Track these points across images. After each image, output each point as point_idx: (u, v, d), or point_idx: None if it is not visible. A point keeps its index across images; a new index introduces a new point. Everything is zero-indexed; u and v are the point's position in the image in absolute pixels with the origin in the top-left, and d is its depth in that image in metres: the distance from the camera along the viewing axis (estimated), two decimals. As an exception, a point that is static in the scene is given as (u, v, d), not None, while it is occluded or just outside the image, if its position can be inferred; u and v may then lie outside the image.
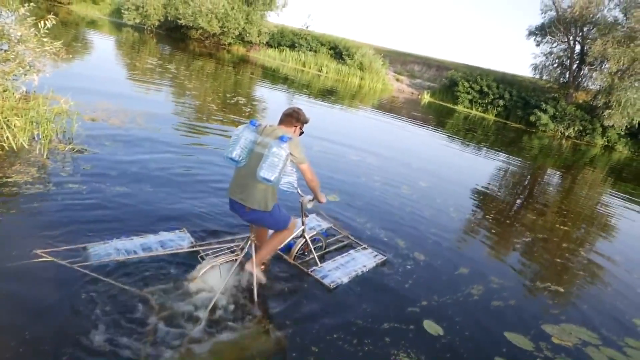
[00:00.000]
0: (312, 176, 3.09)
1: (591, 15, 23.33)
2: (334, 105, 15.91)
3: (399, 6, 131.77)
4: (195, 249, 3.58)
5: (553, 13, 24.86)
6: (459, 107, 27.00)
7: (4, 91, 5.33)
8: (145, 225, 3.82)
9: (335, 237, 4.55)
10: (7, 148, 4.69)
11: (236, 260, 3.19)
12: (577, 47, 24.78)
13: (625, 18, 22.55)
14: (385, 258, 4.30)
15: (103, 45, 18.03)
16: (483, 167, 11.60)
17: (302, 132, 3.13)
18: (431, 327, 3.35)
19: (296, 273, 3.72)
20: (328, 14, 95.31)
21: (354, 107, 17.61)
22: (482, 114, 26.45)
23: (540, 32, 25.69)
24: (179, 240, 3.66)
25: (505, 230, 6.36)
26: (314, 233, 4.04)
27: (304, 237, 3.83)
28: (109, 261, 3.15)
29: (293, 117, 3.03)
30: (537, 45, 26.16)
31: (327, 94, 19.00)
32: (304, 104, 14.73)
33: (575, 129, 23.17)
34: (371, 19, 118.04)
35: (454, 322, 3.48)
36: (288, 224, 3.21)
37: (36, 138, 5.13)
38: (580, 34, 24.38)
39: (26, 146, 4.86)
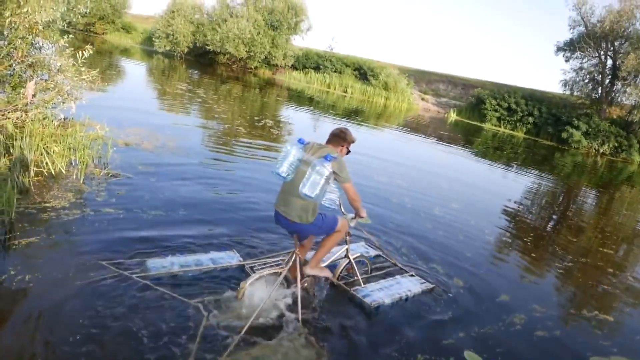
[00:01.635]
0: (355, 195, 3.17)
1: (622, 29, 22.81)
2: (361, 124, 15.91)
3: (422, 25, 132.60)
4: (243, 263, 3.79)
5: (582, 28, 24.43)
6: (487, 125, 26.59)
7: (44, 119, 5.55)
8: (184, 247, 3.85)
9: (382, 264, 4.45)
10: (46, 174, 4.84)
11: (281, 273, 3.28)
12: (609, 62, 24.18)
13: (659, 31, 21.94)
14: (433, 286, 4.13)
15: (135, 72, 18.73)
16: (515, 186, 11.28)
17: (349, 152, 3.28)
18: (472, 358, 3.19)
19: (339, 292, 3.75)
20: (352, 36, 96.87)
21: (380, 126, 17.57)
22: (511, 132, 25.95)
23: (569, 47, 25.21)
24: (228, 258, 3.85)
25: (543, 253, 6.09)
26: (358, 255, 4.01)
27: (348, 258, 3.82)
28: (164, 274, 3.39)
29: (340, 137, 3.20)
30: (567, 60, 25.67)
31: (353, 114, 19.06)
32: (330, 124, 14.80)
33: (611, 145, 22.41)
34: (395, 39, 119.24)
35: (495, 352, 3.30)
36: (335, 227, 3.31)
37: (73, 163, 5.28)
38: (612, 48, 23.81)
39: (64, 171, 5.00)
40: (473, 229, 6.32)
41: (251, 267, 3.74)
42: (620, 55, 23.06)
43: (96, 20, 34.44)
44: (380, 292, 3.79)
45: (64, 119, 6.14)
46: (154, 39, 31.00)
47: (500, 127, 26.47)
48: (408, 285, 4.02)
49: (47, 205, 4.13)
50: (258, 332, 2.93)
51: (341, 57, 31.87)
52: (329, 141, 3.22)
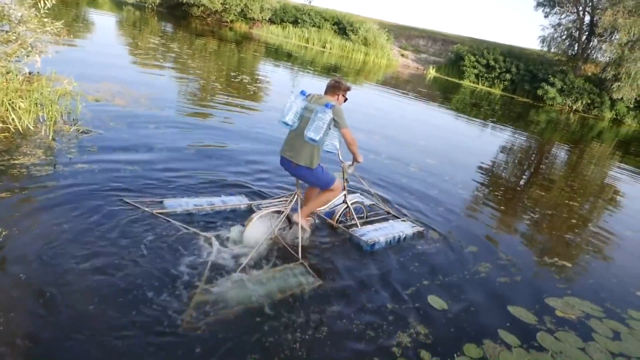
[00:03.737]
0: (352, 139, 3.49)
1: (602, -15, 22.72)
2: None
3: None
4: (250, 204, 4.23)
5: (563, -18, 24.22)
6: (465, 82, 26.64)
7: (7, 73, 5.32)
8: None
9: (378, 212, 4.86)
10: (13, 130, 4.71)
11: (283, 212, 3.63)
12: (587, 18, 24.27)
13: (637, -14, 21.90)
14: (422, 229, 4.56)
15: (104, 25, 17.85)
16: (490, 142, 11.53)
17: (346, 99, 3.63)
18: (436, 301, 3.40)
19: (338, 234, 4.14)
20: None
21: (359, 83, 17.42)
22: (489, 89, 26.10)
23: (549, 2, 25.06)
24: (237, 200, 4.26)
25: (514, 206, 6.36)
26: (355, 200, 4.41)
27: (346, 203, 4.20)
28: (180, 211, 3.79)
29: (335, 87, 3.52)
30: (546, 16, 25.67)
31: (332, 71, 18.79)
32: (309, 81, 14.60)
33: (584, 102, 22.88)
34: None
35: (459, 298, 3.52)
36: (332, 184, 3.63)
37: (41, 120, 5.14)
38: (590, 4, 23.78)
39: (32, 128, 4.88)
40: (448, 184, 6.51)
41: (257, 207, 4.15)
42: (598, 11, 23.07)
43: (59, -33, 32.29)
44: (375, 232, 4.16)
45: (29, 74, 5.90)
46: (122, -12, 29.36)
47: (478, 84, 26.56)
48: (401, 228, 4.41)
49: (16, 162, 4.05)
50: (262, 260, 3.37)
51: (320, 11, 30.94)
52: (326, 92, 3.55)
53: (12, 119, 4.75)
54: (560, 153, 12.52)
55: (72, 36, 10.19)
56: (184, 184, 4.43)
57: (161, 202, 3.86)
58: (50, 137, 4.76)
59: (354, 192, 4.87)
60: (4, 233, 3.00)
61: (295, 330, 2.73)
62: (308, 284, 3.20)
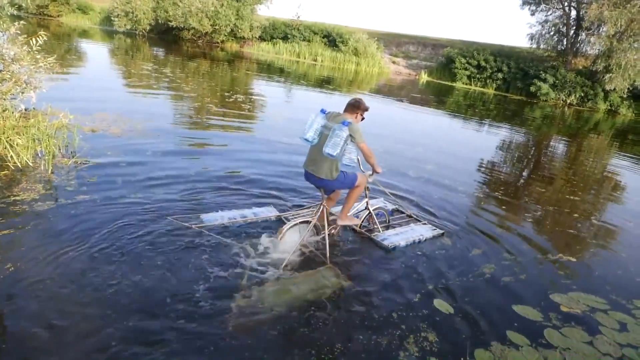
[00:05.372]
0: (370, 153, 3.79)
1: (585, -21, 22.97)
2: (333, 93, 15.87)
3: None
4: (280, 215, 4.53)
5: (546, -20, 24.51)
6: (458, 84, 26.80)
7: (4, 111, 5.41)
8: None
9: (399, 216, 5.14)
10: (13, 167, 4.77)
11: (311, 221, 3.96)
12: (573, 13, 24.46)
13: (619, -22, 22.13)
14: (443, 232, 4.78)
15: (97, 54, 18.07)
16: (487, 142, 11.57)
17: (364, 118, 3.86)
18: (442, 305, 3.41)
19: (361, 239, 4.43)
20: (318, 2, 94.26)
21: (352, 93, 17.55)
22: (482, 89, 26.25)
23: (535, 0, 25.31)
24: (267, 212, 4.58)
25: (515, 204, 6.37)
26: (377, 207, 4.71)
27: (368, 209, 4.48)
28: (217, 225, 4.12)
29: (354, 106, 3.76)
30: (532, 14, 25.84)
31: (325, 83, 18.94)
32: (302, 95, 14.73)
33: (577, 95, 22.98)
34: (362, 3, 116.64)
35: (465, 301, 3.53)
36: (355, 182, 3.93)
37: (39, 155, 5.21)
38: (575, -2, 24.02)
39: (31, 164, 4.94)
40: (448, 187, 6.53)
41: (286, 218, 4.44)
42: (584, 5, 23.30)
43: (49, 2, 32.73)
44: (396, 237, 4.44)
45: (25, 110, 5.99)
46: (112, 18, 29.70)
47: (471, 85, 26.72)
48: (421, 231, 4.67)
49: (17, 198, 4.11)
50: (294, 267, 3.66)
51: (309, 25, 31.26)
52: (345, 110, 3.78)
53: (11, 156, 4.82)
54: (559, 147, 12.56)
55: (65, 69, 10.33)
56: (188, 207, 4.47)
57: (198, 217, 4.22)
58: (50, 171, 4.82)
59: (376, 198, 5.22)
60: (11, 268, 3.04)
61: (313, 332, 2.92)
62: (336, 285, 3.48)
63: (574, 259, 4.66)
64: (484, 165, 8.56)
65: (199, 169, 5.66)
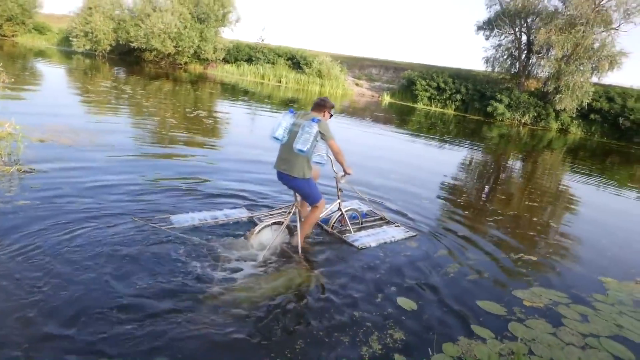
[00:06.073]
0: (338, 150, 3.80)
1: (533, 7, 24.43)
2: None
3: (352, 12, 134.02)
4: (252, 216, 4.50)
5: (498, 7, 25.91)
6: (419, 105, 27.55)
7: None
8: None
9: (373, 218, 5.09)
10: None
11: (283, 222, 3.92)
12: (524, 38, 25.82)
13: (564, 6, 23.70)
14: (415, 234, 4.77)
15: (53, 73, 17.44)
16: (449, 159, 11.81)
17: (332, 115, 3.94)
18: (406, 303, 3.32)
19: (333, 240, 4.38)
20: (282, 26, 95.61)
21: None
22: (442, 110, 27.08)
23: (488, 26, 26.62)
24: (239, 213, 4.54)
25: (478, 210, 6.44)
26: (350, 208, 4.70)
27: (340, 210, 4.51)
28: (187, 226, 4.04)
29: (321, 105, 3.84)
30: (487, 39, 27.08)
31: (289, 103, 19.00)
32: (267, 116, 14.67)
33: (531, 115, 24.05)
34: (325, 28, 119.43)
35: (428, 299, 3.45)
36: (319, 200, 3.89)
37: (-21, 163, 4.84)
38: (525, 24, 25.44)
39: (-32, 172, 4.57)
40: (413, 199, 6.54)
41: (259, 219, 4.39)
42: (533, 30, 24.68)
43: (3, 22, 31.62)
44: (368, 238, 4.44)
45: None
46: (71, 38, 28.92)
47: (431, 106, 27.53)
48: (392, 233, 4.66)
49: (-51, 205, 3.76)
50: (266, 265, 3.60)
51: (273, 48, 31.54)
52: (313, 109, 3.85)
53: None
54: (517, 162, 12.98)
55: (17, 86, 9.82)
56: (149, 209, 4.23)
57: (168, 218, 4.12)
58: (-11, 179, 4.47)
59: (350, 200, 5.15)
60: None
61: (278, 330, 2.75)
62: (305, 284, 3.43)
63: (534, 258, 4.71)
64: (446, 182, 8.68)
65: (159, 174, 5.42)
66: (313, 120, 3.60)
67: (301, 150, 3.53)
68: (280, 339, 2.73)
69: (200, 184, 5.47)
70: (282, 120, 3.70)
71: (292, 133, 3.67)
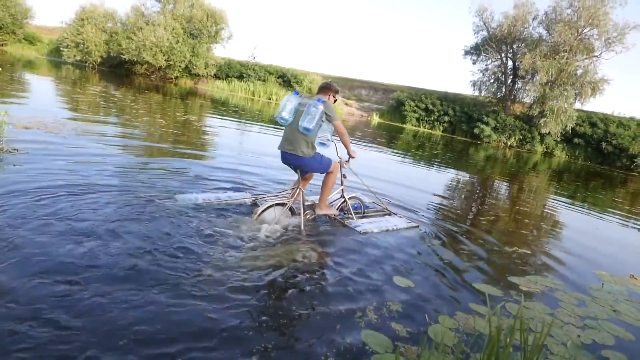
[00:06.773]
0: (343, 130, 3.77)
1: (518, 33, 25.18)
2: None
3: (343, 34, 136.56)
4: (255, 198, 4.55)
5: (485, 33, 26.62)
6: (408, 126, 27.87)
7: None
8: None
9: (375, 209, 5.07)
10: None
11: (287, 204, 3.94)
12: (510, 63, 26.51)
13: (548, 34, 24.50)
14: (417, 225, 4.73)
15: (41, 82, 17.25)
16: (436, 179, 11.86)
17: (336, 100, 3.94)
18: (401, 281, 3.22)
19: (336, 225, 4.34)
20: (274, 45, 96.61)
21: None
22: (430, 131, 27.41)
23: (475, 51, 27.31)
24: (242, 195, 4.57)
25: (475, 211, 6.42)
26: (353, 195, 4.68)
27: (343, 197, 4.49)
28: (192, 205, 4.05)
29: (326, 88, 3.88)
30: (474, 63, 27.73)
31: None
32: (257, 132, 14.66)
33: (517, 138, 24.47)
34: (316, 49, 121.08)
35: (424, 279, 3.36)
36: (330, 166, 3.93)
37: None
38: (511, 50, 26.16)
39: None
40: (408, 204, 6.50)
41: (262, 200, 4.35)
42: (519, 56, 25.39)
43: (-7, 30, 31.46)
44: (369, 224, 4.41)
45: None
46: (62, 48, 28.82)
47: (419, 126, 27.88)
48: (395, 222, 4.64)
49: None
50: (270, 242, 3.55)
51: (264, 66, 31.84)
52: (318, 92, 3.88)
53: None
54: (502, 185, 13.10)
55: (3, 91, 9.63)
56: (114, 199, 4.09)
57: (172, 197, 4.14)
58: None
59: (354, 192, 5.08)
60: None
61: (280, 300, 2.70)
62: (306, 258, 3.38)
63: (528, 251, 4.67)
64: (433, 199, 8.69)
65: (155, 164, 5.29)
66: (318, 100, 3.61)
67: (307, 129, 3.54)
68: (278, 308, 2.62)
69: (199, 172, 5.36)
70: (287, 102, 3.71)
71: (298, 113, 3.68)
